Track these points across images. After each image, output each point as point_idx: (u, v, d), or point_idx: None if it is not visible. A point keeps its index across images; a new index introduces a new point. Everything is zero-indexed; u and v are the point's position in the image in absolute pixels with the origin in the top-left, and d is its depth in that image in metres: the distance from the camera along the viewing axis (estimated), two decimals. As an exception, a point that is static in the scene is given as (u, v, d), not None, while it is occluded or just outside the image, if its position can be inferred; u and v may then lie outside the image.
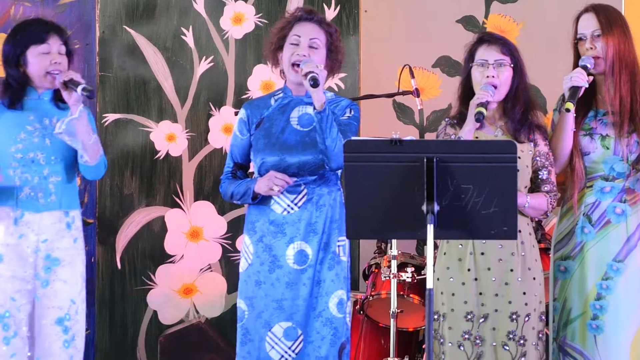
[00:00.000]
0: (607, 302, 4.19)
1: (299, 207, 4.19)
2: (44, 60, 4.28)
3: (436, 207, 3.39)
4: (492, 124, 4.20)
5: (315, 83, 3.99)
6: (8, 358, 4.23)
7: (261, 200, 4.22)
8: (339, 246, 4.23)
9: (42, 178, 4.28)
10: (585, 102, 4.25)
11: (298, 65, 4.17)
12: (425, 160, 3.39)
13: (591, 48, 4.24)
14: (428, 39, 6.07)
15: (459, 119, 4.20)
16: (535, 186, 4.20)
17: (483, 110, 4.03)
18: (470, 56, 4.22)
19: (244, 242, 4.30)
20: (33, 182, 4.27)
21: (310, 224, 4.19)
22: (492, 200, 3.42)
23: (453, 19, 6.08)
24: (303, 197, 4.20)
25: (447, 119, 4.28)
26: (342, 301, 4.22)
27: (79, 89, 4.16)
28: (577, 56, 4.31)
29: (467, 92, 4.21)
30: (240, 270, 4.30)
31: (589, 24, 4.26)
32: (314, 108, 4.07)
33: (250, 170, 4.39)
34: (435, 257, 5.14)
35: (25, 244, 4.26)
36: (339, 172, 4.26)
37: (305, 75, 4.04)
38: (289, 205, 4.20)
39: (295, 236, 4.19)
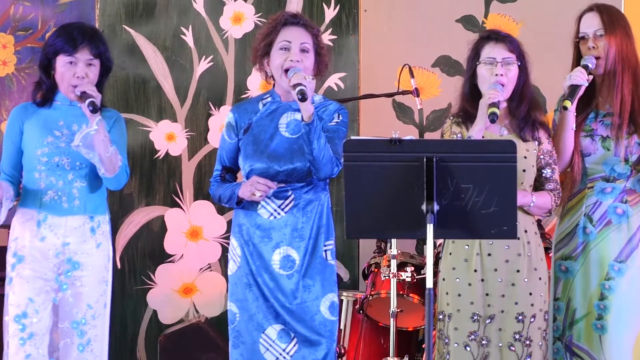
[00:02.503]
0: (610, 303, 4.19)
1: (285, 212, 4.18)
2: (69, 71, 4.27)
3: (436, 207, 3.39)
4: (498, 123, 4.19)
5: (303, 97, 3.95)
6: (23, 359, 4.24)
7: (248, 205, 4.20)
8: (325, 250, 4.21)
9: (66, 182, 4.28)
10: (586, 103, 4.25)
11: None
12: (425, 159, 3.39)
13: (593, 47, 4.23)
14: (428, 39, 6.07)
15: (464, 117, 4.19)
16: (539, 184, 4.19)
17: (496, 110, 4.02)
18: (476, 54, 4.20)
19: (232, 245, 4.28)
20: (57, 185, 4.28)
21: (296, 229, 4.17)
22: (492, 199, 3.42)
23: (453, 18, 6.08)
24: (290, 202, 4.18)
25: (451, 117, 4.26)
26: (334, 304, 4.21)
27: (86, 102, 4.14)
28: (578, 55, 4.30)
29: (472, 89, 4.20)
30: (229, 273, 4.28)
31: (592, 23, 4.25)
32: (302, 119, 4.04)
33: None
34: (436, 256, 5.16)
35: (47, 247, 4.26)
36: None
37: (294, 86, 3.99)
38: (275, 210, 4.18)
39: (282, 241, 4.17)
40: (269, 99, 4.29)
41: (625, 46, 4.23)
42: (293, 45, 4.17)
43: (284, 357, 4.16)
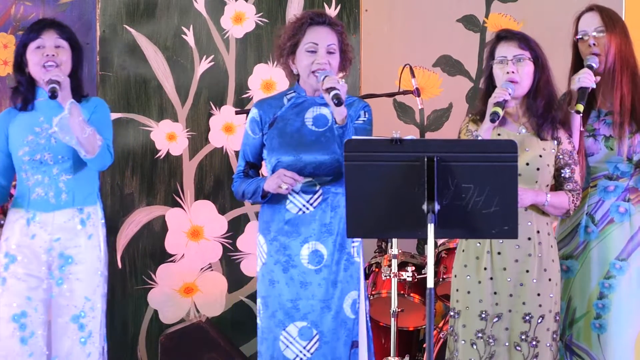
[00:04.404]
0: (609, 301, 4.19)
1: (314, 207, 4.18)
2: (38, 55, 4.28)
3: (437, 207, 3.38)
4: (516, 121, 4.18)
5: (339, 102, 3.96)
6: (26, 358, 4.24)
7: (275, 200, 4.20)
8: (353, 247, 4.21)
9: (52, 178, 4.28)
10: (587, 102, 4.25)
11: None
12: (425, 159, 3.39)
13: (594, 45, 4.24)
14: (428, 38, 6.08)
15: (481, 116, 4.18)
16: (558, 184, 4.17)
17: (499, 110, 4.01)
18: (491, 54, 4.19)
19: (259, 242, 4.28)
20: (44, 182, 4.29)
21: (325, 224, 4.18)
22: (493, 199, 3.42)
23: (453, 18, 6.09)
24: (318, 197, 4.19)
25: (469, 115, 4.27)
26: (355, 302, 4.21)
27: (48, 88, 4.15)
28: (577, 55, 4.31)
29: (489, 90, 4.18)
30: (257, 269, 4.29)
31: (592, 22, 4.26)
32: (335, 122, 4.05)
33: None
34: (436, 256, 5.17)
35: (37, 244, 4.27)
36: None
37: (327, 90, 3.99)
38: (304, 205, 4.19)
39: (310, 236, 4.18)
40: (294, 94, 4.30)
41: (624, 46, 4.25)
42: (320, 48, 4.19)
43: (304, 355, 4.16)
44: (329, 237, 4.17)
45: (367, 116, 4.25)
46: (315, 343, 4.17)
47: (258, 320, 4.26)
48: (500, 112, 4.01)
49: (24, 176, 4.32)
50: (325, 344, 4.16)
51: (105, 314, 4.41)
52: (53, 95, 4.12)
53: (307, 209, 4.19)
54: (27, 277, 4.27)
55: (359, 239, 4.23)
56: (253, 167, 4.34)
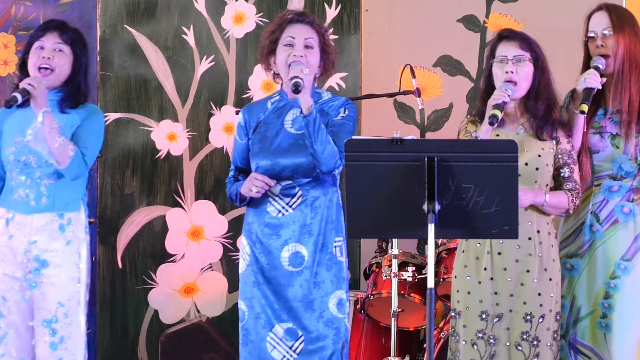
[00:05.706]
0: (614, 301, 4.20)
1: (293, 209, 4.19)
2: (36, 55, 4.28)
3: (437, 207, 3.39)
4: (514, 122, 4.18)
5: (296, 89, 3.97)
6: None
7: (257, 203, 4.22)
8: (336, 246, 4.22)
9: (34, 180, 4.26)
10: (595, 100, 4.25)
11: None
12: (426, 159, 3.39)
13: (602, 46, 4.24)
14: (429, 39, 6.07)
15: (480, 116, 4.18)
16: (557, 184, 4.18)
17: (497, 113, 4.00)
18: (491, 53, 4.19)
19: (242, 244, 4.30)
20: (26, 184, 4.27)
21: (304, 225, 4.18)
22: (493, 199, 3.42)
23: (454, 18, 6.08)
24: (298, 199, 4.19)
25: (468, 116, 4.27)
26: (342, 301, 4.21)
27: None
28: (588, 54, 4.31)
29: (489, 89, 4.17)
30: (240, 271, 4.30)
31: (601, 22, 4.26)
32: (301, 112, 4.06)
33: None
34: (437, 256, 5.17)
35: (15, 245, 4.24)
36: (336, 172, 4.24)
37: (290, 79, 4.01)
38: (283, 208, 4.19)
39: (290, 238, 4.18)
40: (277, 98, 4.31)
41: (633, 46, 4.24)
42: (297, 41, 4.19)
43: (291, 355, 4.17)
44: (309, 238, 4.18)
45: (347, 112, 4.24)
46: (300, 343, 4.17)
47: (241, 322, 4.24)
48: (499, 115, 4.01)
49: (9, 175, 4.32)
50: (310, 343, 4.17)
51: (95, 317, 4.38)
52: (8, 104, 4.12)
53: (287, 211, 4.19)
54: (3, 276, 4.25)
55: (342, 239, 4.23)
56: (242, 172, 4.34)
